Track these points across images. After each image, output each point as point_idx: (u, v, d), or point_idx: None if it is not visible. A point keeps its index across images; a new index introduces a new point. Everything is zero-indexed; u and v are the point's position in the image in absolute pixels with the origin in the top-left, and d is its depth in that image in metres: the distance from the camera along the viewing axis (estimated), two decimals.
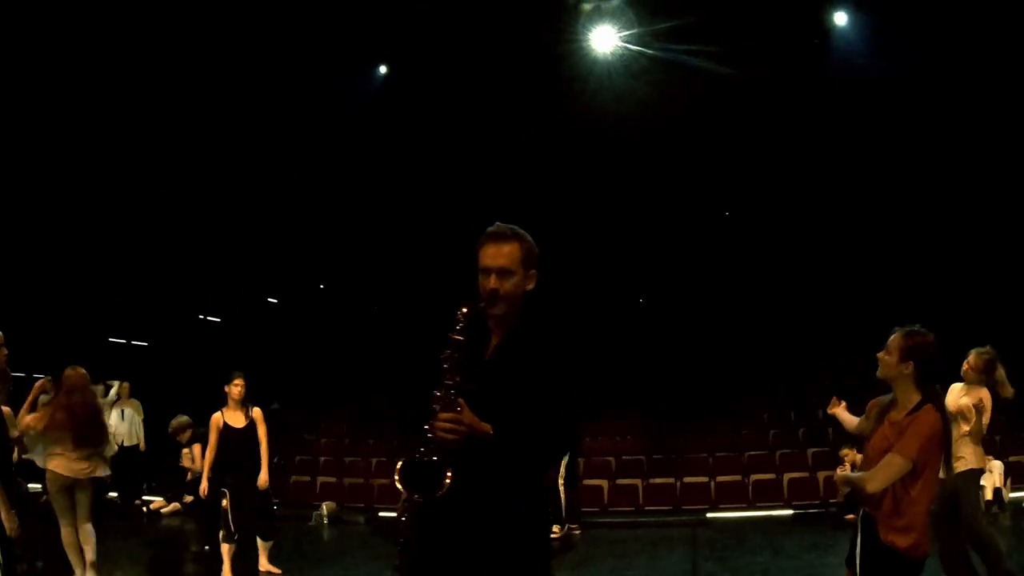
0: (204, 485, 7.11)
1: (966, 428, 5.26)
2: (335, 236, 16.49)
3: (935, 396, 3.26)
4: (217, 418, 7.06)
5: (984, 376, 5.40)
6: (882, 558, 3.17)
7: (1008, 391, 5.45)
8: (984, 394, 5.35)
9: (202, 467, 7.70)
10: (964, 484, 5.21)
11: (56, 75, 10.77)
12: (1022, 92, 12.15)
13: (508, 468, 2.54)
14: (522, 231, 2.74)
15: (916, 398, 3.23)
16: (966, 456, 5.25)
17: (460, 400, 2.49)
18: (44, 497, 8.05)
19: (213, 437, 7.04)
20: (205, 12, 10.84)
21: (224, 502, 6.97)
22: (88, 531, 6.14)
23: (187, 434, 9.47)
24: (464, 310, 2.61)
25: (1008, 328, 11.98)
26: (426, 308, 16.55)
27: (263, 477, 6.97)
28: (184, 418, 9.58)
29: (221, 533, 7.00)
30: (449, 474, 2.43)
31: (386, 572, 7.47)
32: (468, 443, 2.45)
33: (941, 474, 5.09)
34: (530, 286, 2.71)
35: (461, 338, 2.57)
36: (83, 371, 6.33)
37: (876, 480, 3.12)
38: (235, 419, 7.06)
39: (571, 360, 2.65)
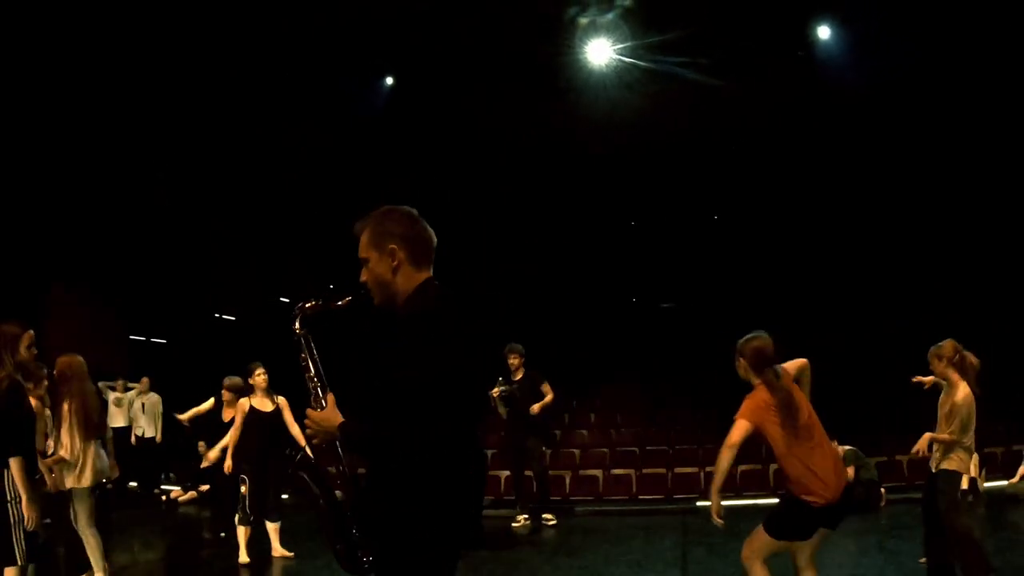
0: (229, 463, 7.00)
1: (947, 431, 5.05)
2: (345, 238, 16.43)
3: (769, 378, 4.04)
4: (244, 403, 7.07)
5: (952, 362, 5.10)
6: (789, 498, 3.98)
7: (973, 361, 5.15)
8: (959, 393, 5.05)
9: (216, 456, 7.68)
10: (942, 483, 5.06)
11: (73, 76, 10.73)
12: (1002, 100, 12.18)
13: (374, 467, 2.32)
14: (377, 211, 2.50)
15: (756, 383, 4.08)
16: (951, 455, 5.04)
17: (328, 396, 2.39)
18: None
19: (239, 420, 7.02)
20: (213, 22, 10.82)
21: (244, 488, 6.94)
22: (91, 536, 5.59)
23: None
24: (305, 304, 2.53)
25: (993, 330, 12.00)
26: None
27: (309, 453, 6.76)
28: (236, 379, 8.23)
29: (237, 516, 6.97)
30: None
31: None
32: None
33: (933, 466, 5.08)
34: (394, 262, 2.41)
35: (299, 331, 2.49)
36: (80, 359, 5.66)
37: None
38: (262, 404, 7.10)
39: (416, 356, 2.21)
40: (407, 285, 2.43)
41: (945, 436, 5.04)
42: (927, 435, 5.15)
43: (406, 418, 2.19)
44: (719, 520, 3.96)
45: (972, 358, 5.16)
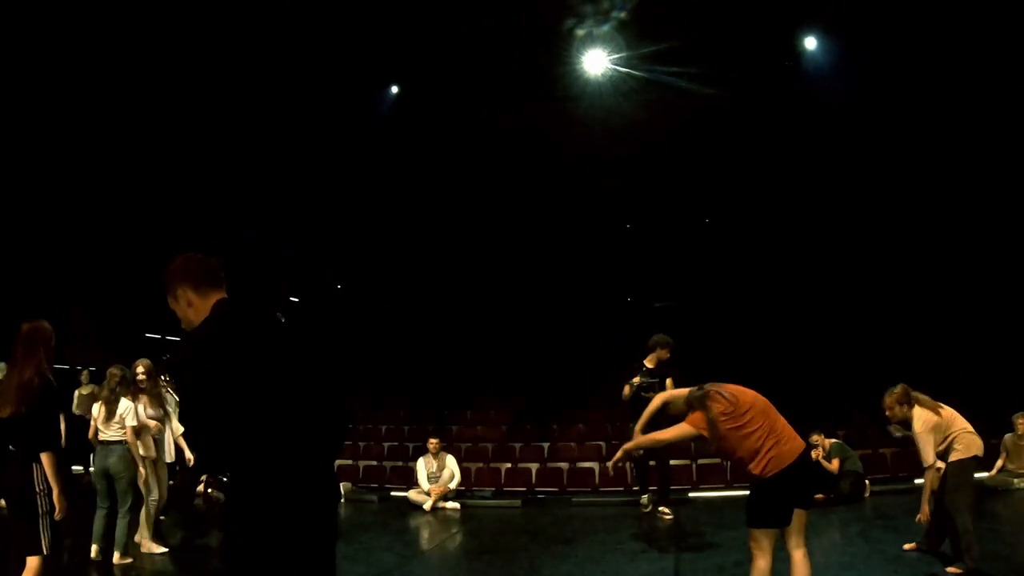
0: None
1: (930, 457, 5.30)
2: (352, 241, 16.50)
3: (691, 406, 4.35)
4: None
5: (906, 407, 5.36)
6: (752, 484, 4.16)
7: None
8: (916, 423, 5.34)
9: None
10: (951, 479, 5.26)
11: (88, 78, 10.76)
12: (985, 107, 12.23)
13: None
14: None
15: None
16: (958, 448, 5.30)
17: None
18: (87, 477, 8.06)
19: None
20: (225, 34, 10.85)
21: None
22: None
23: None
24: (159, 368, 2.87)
25: (977, 329, 12.03)
26: (431, 306, 16.61)
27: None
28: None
29: None
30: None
31: (396, 546, 7.49)
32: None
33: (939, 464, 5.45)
34: (187, 302, 2.70)
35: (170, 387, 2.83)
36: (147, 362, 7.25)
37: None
38: None
39: (184, 364, 2.51)
40: (203, 313, 2.64)
41: (933, 463, 5.29)
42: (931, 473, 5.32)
43: (204, 425, 2.40)
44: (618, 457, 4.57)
45: (921, 397, 5.41)
